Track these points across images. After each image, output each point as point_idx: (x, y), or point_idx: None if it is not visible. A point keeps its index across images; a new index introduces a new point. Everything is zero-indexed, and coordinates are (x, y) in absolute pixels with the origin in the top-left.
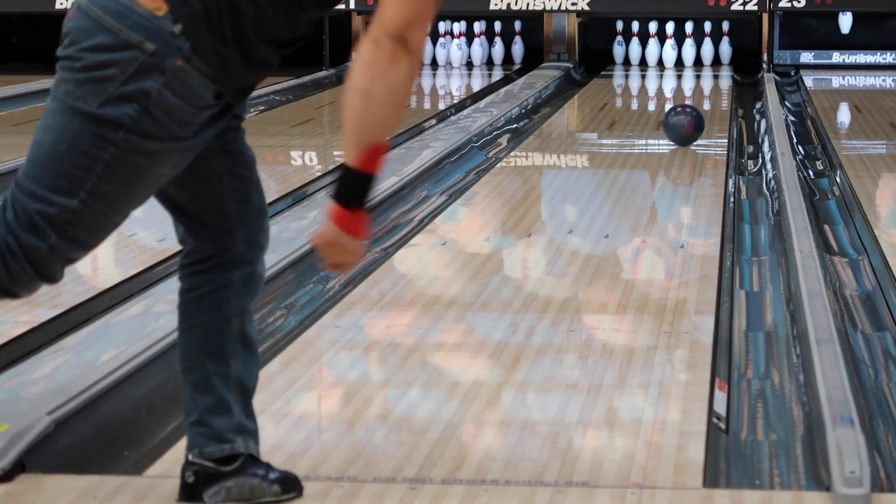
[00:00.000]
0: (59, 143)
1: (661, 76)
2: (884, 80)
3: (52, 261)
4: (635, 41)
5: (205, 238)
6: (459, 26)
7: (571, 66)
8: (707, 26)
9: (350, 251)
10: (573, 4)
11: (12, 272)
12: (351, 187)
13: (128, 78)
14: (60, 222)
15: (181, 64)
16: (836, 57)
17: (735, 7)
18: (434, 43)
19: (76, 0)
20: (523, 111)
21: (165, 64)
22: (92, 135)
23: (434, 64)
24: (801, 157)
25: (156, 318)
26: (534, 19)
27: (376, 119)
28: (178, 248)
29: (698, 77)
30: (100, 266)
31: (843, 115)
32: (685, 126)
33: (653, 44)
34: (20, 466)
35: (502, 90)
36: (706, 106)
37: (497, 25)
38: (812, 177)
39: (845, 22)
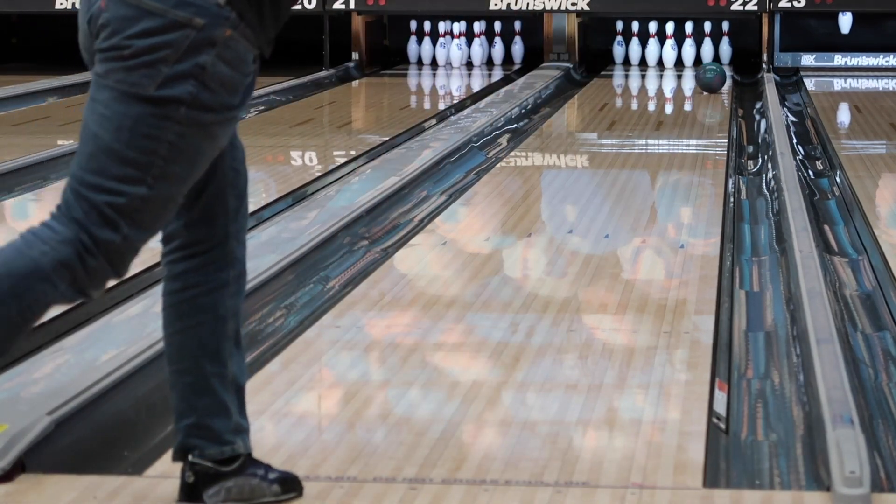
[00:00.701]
0: (120, 131)
1: (661, 76)
2: (886, 83)
3: (125, 251)
4: (635, 41)
5: (203, 233)
6: (459, 26)
7: (571, 66)
8: (707, 26)
9: None
10: (573, 4)
11: (90, 269)
12: None
13: (181, 56)
14: (130, 211)
15: (230, 33)
16: (838, 60)
17: (735, 7)
18: (434, 43)
19: None
20: (523, 111)
21: (216, 36)
22: (154, 116)
23: (434, 64)
24: (801, 157)
25: (156, 318)
26: (534, 19)
27: None
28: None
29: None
30: None
31: (843, 114)
32: (714, 81)
33: (653, 44)
34: (20, 466)
35: (502, 90)
36: (706, 106)
37: (497, 25)
38: (812, 177)
39: (845, 22)
